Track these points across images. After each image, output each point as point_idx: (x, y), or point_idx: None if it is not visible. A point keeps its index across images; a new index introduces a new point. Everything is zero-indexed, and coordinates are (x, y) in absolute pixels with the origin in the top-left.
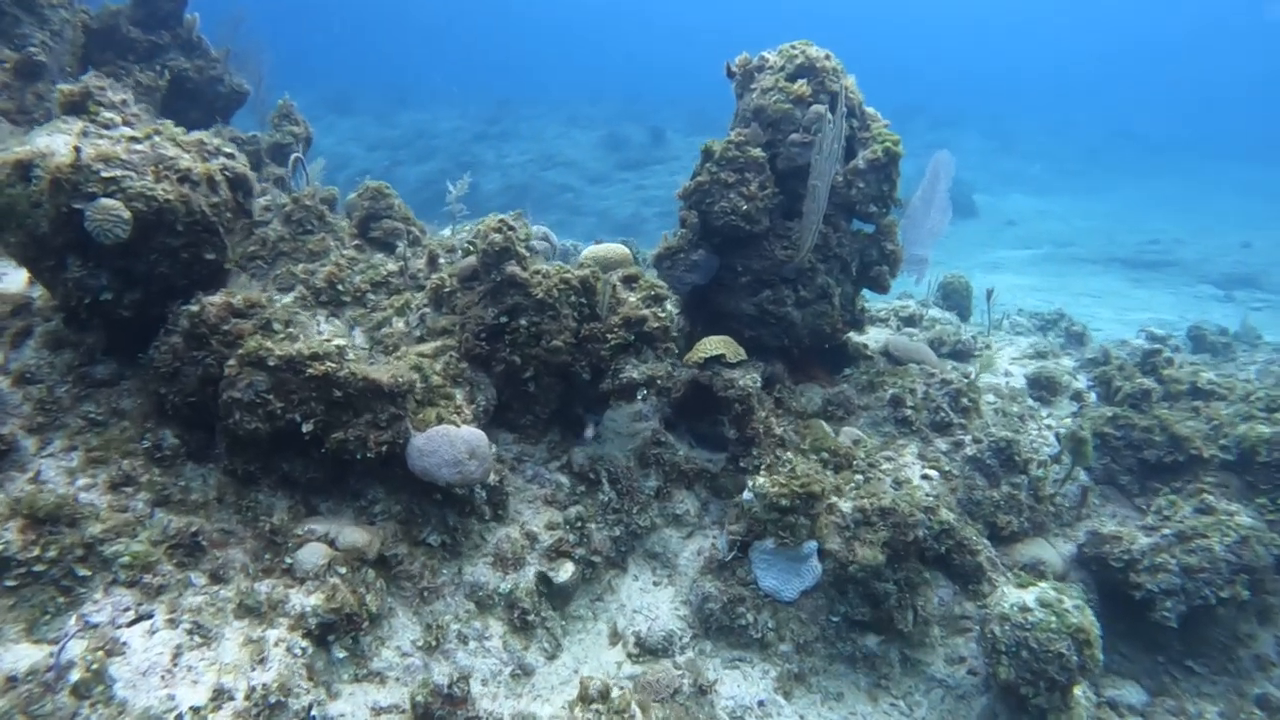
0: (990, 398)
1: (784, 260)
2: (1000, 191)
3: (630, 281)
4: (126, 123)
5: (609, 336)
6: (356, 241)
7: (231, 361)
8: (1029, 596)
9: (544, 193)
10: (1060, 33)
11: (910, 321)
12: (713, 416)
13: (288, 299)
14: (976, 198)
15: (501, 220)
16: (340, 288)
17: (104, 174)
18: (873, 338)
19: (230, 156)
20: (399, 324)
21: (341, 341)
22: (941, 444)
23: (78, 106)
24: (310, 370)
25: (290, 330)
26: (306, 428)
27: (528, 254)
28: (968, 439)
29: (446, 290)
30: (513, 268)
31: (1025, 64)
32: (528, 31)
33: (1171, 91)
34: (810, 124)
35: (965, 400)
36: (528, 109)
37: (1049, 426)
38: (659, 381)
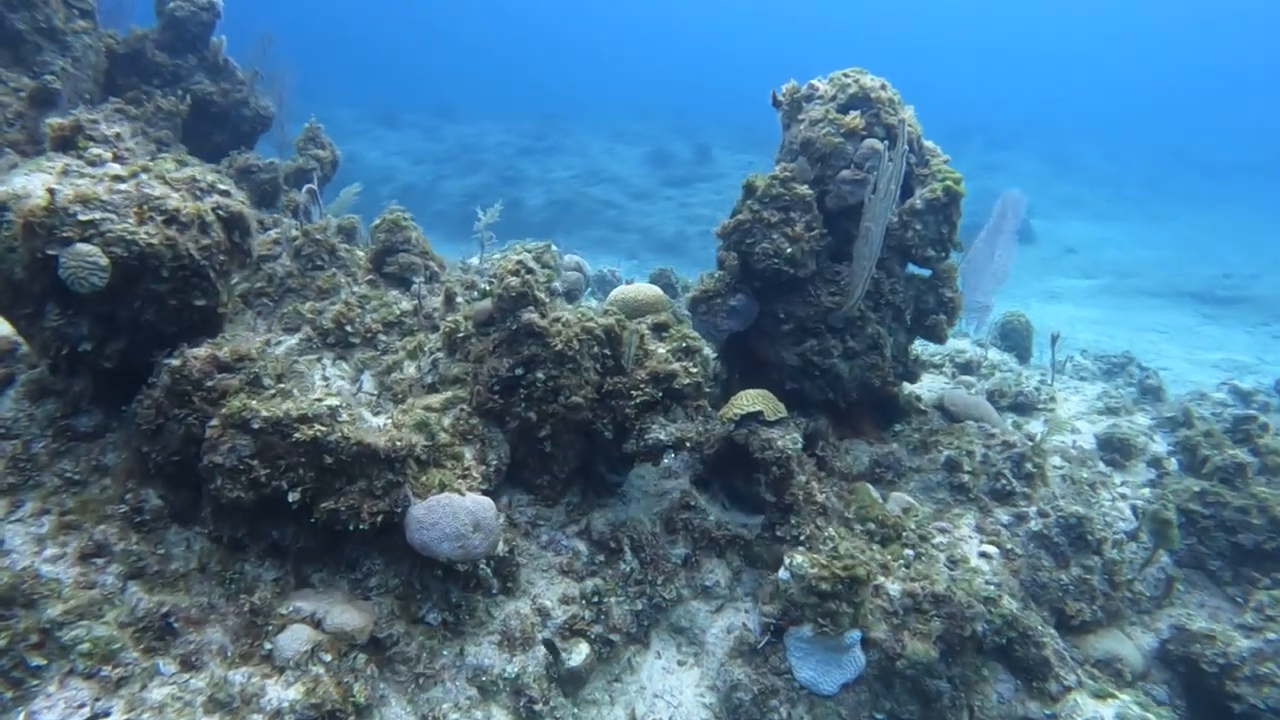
0: (1057, 460)
1: (831, 308)
2: (1059, 217)
3: (660, 330)
4: (118, 158)
5: (634, 393)
6: (370, 277)
7: (214, 422)
8: (1108, 711)
9: (587, 209)
10: (1120, 54)
11: (967, 369)
12: (749, 473)
13: (292, 341)
14: (1034, 223)
15: (519, 262)
16: (349, 329)
17: (81, 217)
18: (926, 387)
19: (225, 194)
20: (410, 369)
21: (334, 401)
22: (1002, 515)
23: (68, 141)
24: (298, 434)
25: (282, 385)
26: (293, 497)
27: (548, 299)
28: (1032, 511)
29: (461, 335)
30: (530, 315)
31: (1083, 85)
32: (578, 47)
33: (1239, 113)
34: (863, 160)
35: (1029, 466)
36: (574, 124)
37: (1124, 495)
38: (688, 444)
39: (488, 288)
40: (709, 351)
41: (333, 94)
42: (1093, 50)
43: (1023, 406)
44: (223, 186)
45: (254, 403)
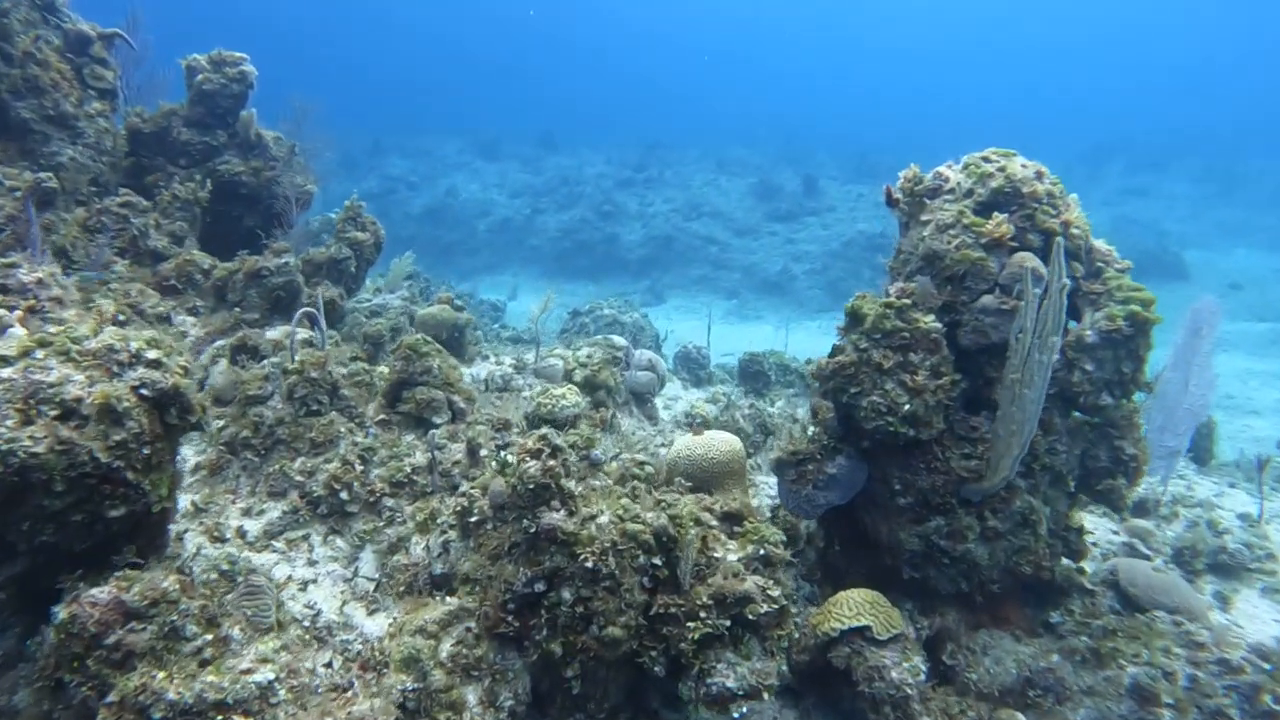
0: None
1: (965, 477)
2: (1220, 246)
3: (732, 521)
4: (34, 312)
5: (692, 624)
6: (383, 415)
7: (111, 698)
8: None
9: (687, 244)
10: None
11: (1140, 508)
12: (854, 688)
13: (276, 512)
14: (1188, 255)
15: (543, 438)
16: (345, 496)
17: None
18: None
19: (155, 364)
20: (419, 548)
21: (269, 674)
22: None
23: None
24: None
25: (210, 635)
26: None
27: (580, 485)
28: None
29: (474, 520)
30: (552, 517)
31: (1253, 93)
32: (681, 73)
33: None
34: (1012, 281)
35: (1269, 700)
36: (676, 154)
37: None
38: (766, 694)
39: (507, 459)
40: (804, 524)
41: (439, 124)
42: (1265, 54)
43: (1226, 569)
44: (153, 354)
45: (161, 676)
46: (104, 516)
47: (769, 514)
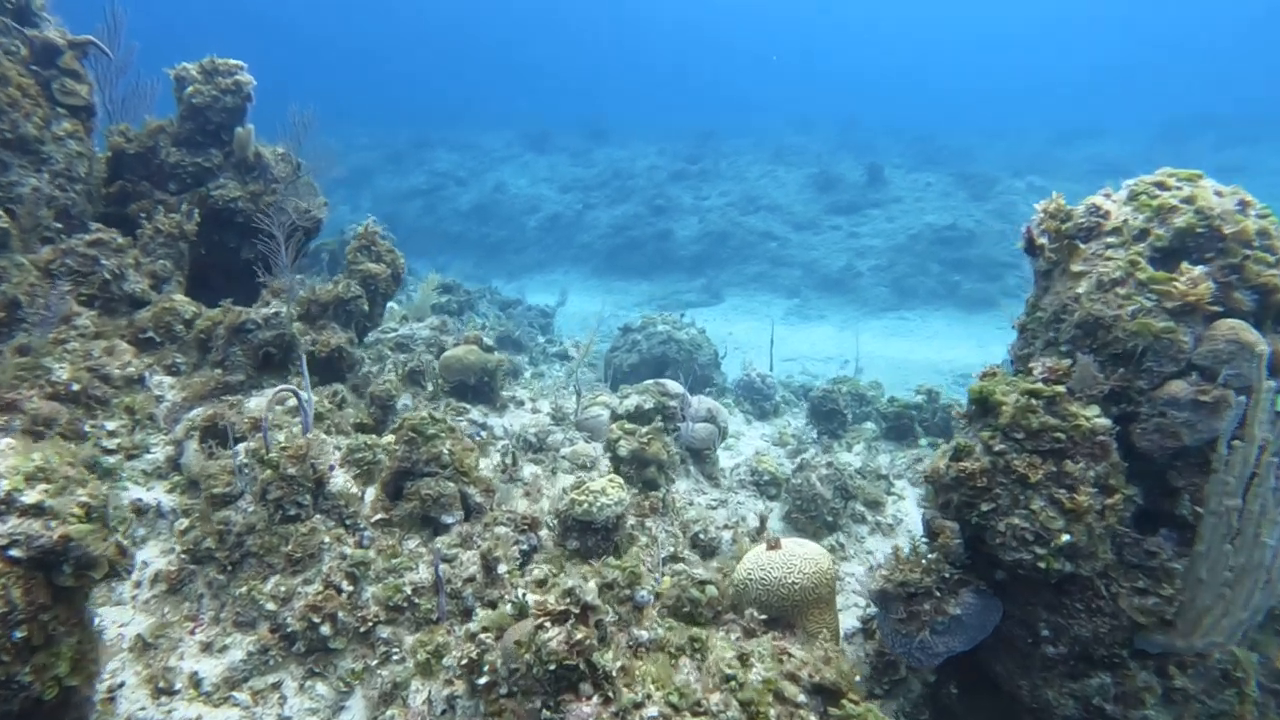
0: None
1: (1141, 623)
2: None
3: (827, 699)
4: None
5: None
6: (381, 513)
7: None
8: None
9: (744, 240)
10: None
11: None
12: None
13: (239, 652)
14: None
15: (570, 594)
16: (327, 629)
17: None
18: None
19: (35, 511)
20: (419, 698)
21: None
22: None
23: None
24: None
25: None
26: None
27: (616, 663)
28: None
29: (484, 682)
30: (583, 710)
31: None
32: (736, 57)
33: None
34: (1214, 361)
35: None
36: (731, 144)
37: None
38: None
39: (526, 602)
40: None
41: (486, 117)
42: None
43: None
44: (33, 496)
45: None
46: None
47: (859, 625)
